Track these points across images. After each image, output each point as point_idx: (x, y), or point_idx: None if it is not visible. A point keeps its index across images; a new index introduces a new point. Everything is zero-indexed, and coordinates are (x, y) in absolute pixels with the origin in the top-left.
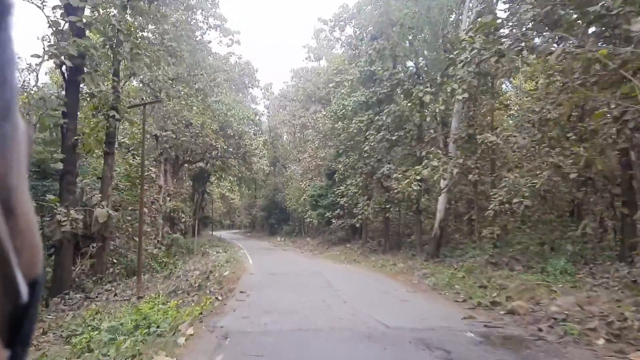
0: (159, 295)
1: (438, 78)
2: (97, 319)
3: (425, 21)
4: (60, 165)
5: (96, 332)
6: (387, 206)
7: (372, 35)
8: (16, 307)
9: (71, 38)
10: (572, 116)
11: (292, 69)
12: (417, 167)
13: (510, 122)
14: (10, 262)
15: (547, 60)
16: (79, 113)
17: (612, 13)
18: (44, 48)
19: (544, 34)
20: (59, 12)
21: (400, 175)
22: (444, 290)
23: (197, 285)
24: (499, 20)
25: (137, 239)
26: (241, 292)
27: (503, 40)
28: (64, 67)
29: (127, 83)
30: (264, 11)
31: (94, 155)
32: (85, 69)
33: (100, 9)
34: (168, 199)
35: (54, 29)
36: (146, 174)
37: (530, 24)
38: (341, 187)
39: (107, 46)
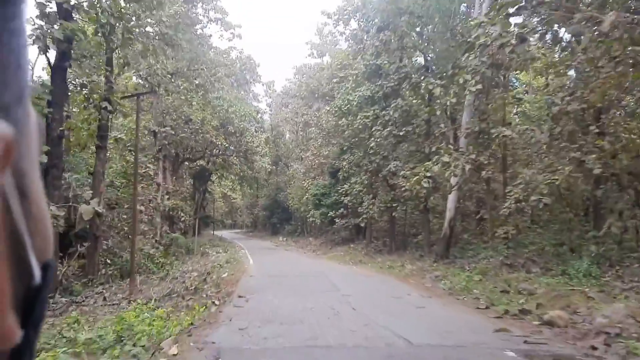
0: (149, 301)
1: (449, 70)
2: (74, 329)
3: (436, 8)
4: (44, 159)
5: (64, 350)
6: (394, 205)
7: (379, 26)
8: (29, 289)
9: (58, 21)
10: (591, 108)
11: (294, 66)
12: (427, 163)
13: (521, 116)
14: (25, 244)
15: (567, 48)
16: (70, 105)
17: None
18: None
19: (575, 15)
20: None
21: (409, 172)
22: (461, 295)
23: (193, 288)
24: (522, 3)
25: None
26: (240, 296)
27: (525, 23)
28: (49, 53)
29: (122, 74)
30: (264, 10)
31: (90, 150)
32: (73, 54)
33: None
34: (167, 197)
35: (40, 11)
36: (144, 171)
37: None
38: (345, 185)
39: (100, 34)
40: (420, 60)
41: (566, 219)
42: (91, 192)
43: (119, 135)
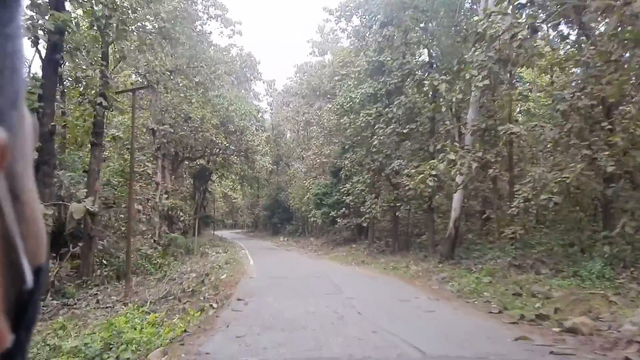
0: (144, 304)
1: (454, 65)
2: (59, 335)
3: (441, 3)
4: (35, 155)
5: None
6: (397, 204)
7: (382, 22)
8: (21, 293)
9: (49, 12)
10: (600, 105)
11: (295, 64)
12: (432, 161)
13: (525, 115)
14: (17, 248)
15: (574, 45)
16: (66, 102)
17: None
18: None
19: (592, 2)
20: None
21: (414, 170)
22: (471, 298)
23: (190, 290)
24: None
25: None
26: (239, 299)
27: (536, 14)
28: (40, 45)
29: (120, 71)
30: (264, 9)
31: (87, 148)
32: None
33: None
34: (165, 196)
35: (30, 0)
36: (142, 169)
37: None
38: (347, 184)
39: (95, 27)
40: (424, 56)
41: (575, 219)
42: (86, 190)
43: (116, 133)
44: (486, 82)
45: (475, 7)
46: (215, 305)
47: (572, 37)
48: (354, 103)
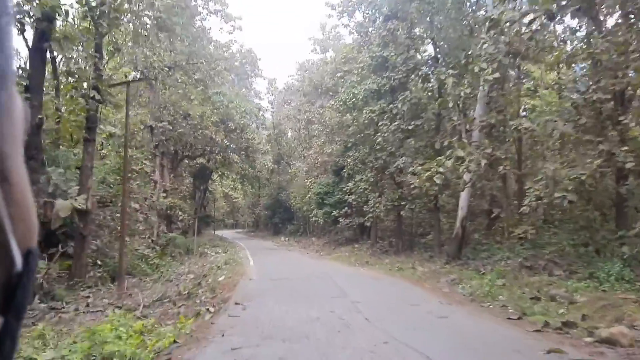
0: (137, 307)
1: (462, 59)
2: (35, 346)
3: None
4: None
5: None
6: (402, 203)
7: (386, 15)
8: (10, 276)
9: None
10: (611, 100)
11: (297, 62)
12: (440, 158)
13: (530, 113)
14: (5, 228)
15: (584, 39)
16: (61, 98)
17: None
18: None
19: None
20: None
21: (420, 168)
22: (485, 302)
23: (186, 292)
24: None
25: (126, 238)
26: (237, 303)
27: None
28: (27, 34)
29: (116, 64)
30: (265, 8)
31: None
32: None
33: None
34: (164, 195)
35: None
36: (140, 167)
37: None
38: (349, 183)
39: (88, 18)
40: (430, 51)
41: (587, 218)
42: (78, 187)
43: (113, 130)
44: (496, 75)
45: (481, 0)
46: (212, 309)
47: (579, 34)
48: (357, 99)
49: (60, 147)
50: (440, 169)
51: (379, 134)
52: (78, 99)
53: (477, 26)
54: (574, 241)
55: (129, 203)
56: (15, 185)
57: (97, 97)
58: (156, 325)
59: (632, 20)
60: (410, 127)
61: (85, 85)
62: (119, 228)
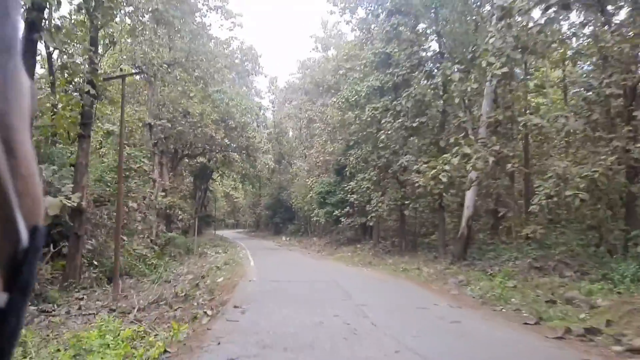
0: (131, 310)
1: (469, 53)
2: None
3: None
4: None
5: None
6: (406, 202)
7: (389, 10)
8: (16, 252)
9: None
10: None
11: (298, 60)
12: (445, 155)
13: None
14: (11, 202)
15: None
16: (56, 93)
17: None
18: None
19: None
20: None
21: (425, 165)
22: (497, 306)
23: (183, 294)
24: None
25: (124, 238)
26: (235, 306)
27: None
28: None
29: (115, 62)
30: (266, 6)
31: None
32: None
33: None
34: (163, 194)
35: None
36: (138, 166)
37: None
38: (351, 182)
39: (83, 10)
40: (434, 47)
41: (598, 217)
42: (72, 186)
43: (111, 128)
44: (504, 69)
45: None
46: (209, 312)
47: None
48: (359, 96)
49: (56, 144)
50: (446, 167)
51: (382, 131)
52: (72, 94)
53: (482, 22)
54: (582, 241)
55: (128, 202)
56: (21, 159)
57: (92, 91)
58: (148, 331)
59: None
60: (414, 125)
61: (80, 79)
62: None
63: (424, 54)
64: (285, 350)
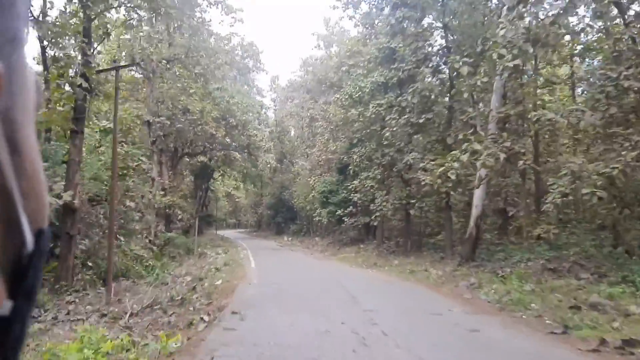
0: (123, 316)
1: (478, 46)
2: None
3: None
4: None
5: None
6: (412, 201)
7: (394, 3)
8: (21, 257)
9: None
10: None
11: (300, 58)
12: (454, 152)
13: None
14: (16, 203)
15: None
16: (51, 88)
17: None
18: None
19: None
20: None
21: (432, 163)
22: (516, 311)
23: (179, 298)
24: None
25: (121, 238)
26: (233, 312)
27: None
28: None
29: (115, 59)
30: (267, 5)
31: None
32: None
33: None
34: (162, 193)
35: None
36: (136, 164)
37: None
38: (355, 181)
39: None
40: (440, 41)
41: (614, 216)
42: (64, 183)
43: (108, 125)
44: (517, 61)
45: None
46: (206, 318)
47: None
48: (363, 93)
49: (50, 141)
50: (455, 164)
51: (386, 128)
52: (64, 88)
53: (491, 14)
54: (594, 241)
55: (125, 201)
56: (26, 157)
57: (85, 85)
58: (137, 340)
59: None
60: (420, 121)
61: (72, 72)
62: (114, 228)
63: (430, 48)
64: None
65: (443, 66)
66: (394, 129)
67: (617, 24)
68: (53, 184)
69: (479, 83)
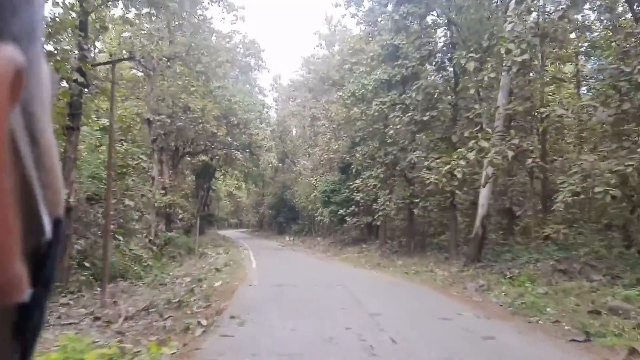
0: (114, 321)
1: (484, 41)
2: None
3: None
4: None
5: None
6: (416, 200)
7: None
8: (40, 245)
9: None
10: None
11: (302, 57)
12: (460, 150)
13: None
14: (36, 194)
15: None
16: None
17: None
18: None
19: None
20: None
21: (438, 160)
22: (531, 316)
23: (176, 301)
24: None
25: (119, 238)
26: (232, 316)
27: None
28: None
29: (114, 56)
30: (268, 5)
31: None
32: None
33: None
34: (163, 192)
35: None
36: (136, 162)
37: None
38: (357, 180)
39: None
40: (444, 38)
41: (625, 216)
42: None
43: (107, 123)
44: (525, 56)
45: None
46: (203, 322)
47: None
48: (366, 90)
49: None
50: (462, 162)
51: (389, 127)
52: (60, 83)
53: (497, 9)
54: (603, 242)
55: (124, 200)
56: (44, 149)
57: (81, 80)
58: (129, 346)
59: None
60: (424, 119)
61: (68, 67)
62: (112, 227)
63: (434, 45)
64: None
65: (447, 63)
66: (398, 127)
67: (625, 19)
68: None
69: (485, 79)
